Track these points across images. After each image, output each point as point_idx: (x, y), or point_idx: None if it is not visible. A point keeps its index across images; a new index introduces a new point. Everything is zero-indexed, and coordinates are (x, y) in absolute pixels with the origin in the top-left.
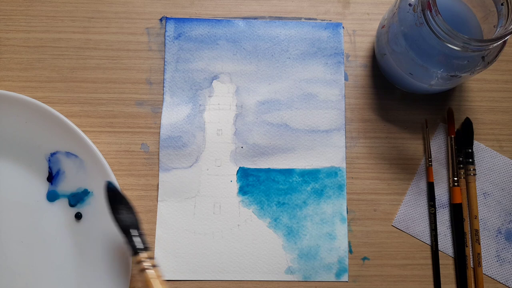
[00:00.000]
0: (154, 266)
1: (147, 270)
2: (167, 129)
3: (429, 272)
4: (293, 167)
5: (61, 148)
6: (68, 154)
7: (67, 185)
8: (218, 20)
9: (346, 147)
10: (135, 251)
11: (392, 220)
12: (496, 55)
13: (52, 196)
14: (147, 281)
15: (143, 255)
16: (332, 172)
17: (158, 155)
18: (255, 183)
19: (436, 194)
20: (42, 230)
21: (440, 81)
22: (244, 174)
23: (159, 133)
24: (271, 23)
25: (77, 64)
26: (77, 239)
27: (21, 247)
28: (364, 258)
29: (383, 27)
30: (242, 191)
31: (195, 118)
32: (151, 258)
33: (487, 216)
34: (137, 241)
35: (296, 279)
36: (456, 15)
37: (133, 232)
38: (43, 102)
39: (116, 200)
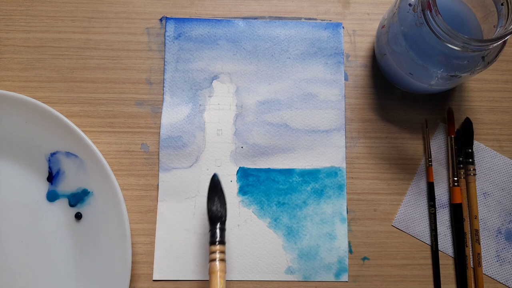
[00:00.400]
0: (221, 260)
1: (213, 262)
2: (167, 129)
3: (429, 272)
4: (293, 167)
5: (61, 148)
6: (68, 154)
7: (67, 185)
8: (218, 20)
9: (346, 147)
10: (213, 241)
11: (392, 220)
12: (496, 55)
13: (52, 196)
14: (209, 273)
15: (217, 247)
16: (332, 172)
17: (158, 155)
18: (255, 183)
19: (436, 194)
20: (42, 230)
21: (440, 81)
22: (244, 174)
23: (159, 133)
24: (271, 23)
25: (77, 64)
26: (77, 239)
27: (21, 247)
28: (364, 258)
29: (383, 27)
30: (242, 191)
31: (195, 118)
32: (223, 252)
33: (487, 216)
34: (218, 233)
35: (296, 279)
36: (456, 15)
37: (218, 225)
38: (43, 102)
39: (214, 191)
